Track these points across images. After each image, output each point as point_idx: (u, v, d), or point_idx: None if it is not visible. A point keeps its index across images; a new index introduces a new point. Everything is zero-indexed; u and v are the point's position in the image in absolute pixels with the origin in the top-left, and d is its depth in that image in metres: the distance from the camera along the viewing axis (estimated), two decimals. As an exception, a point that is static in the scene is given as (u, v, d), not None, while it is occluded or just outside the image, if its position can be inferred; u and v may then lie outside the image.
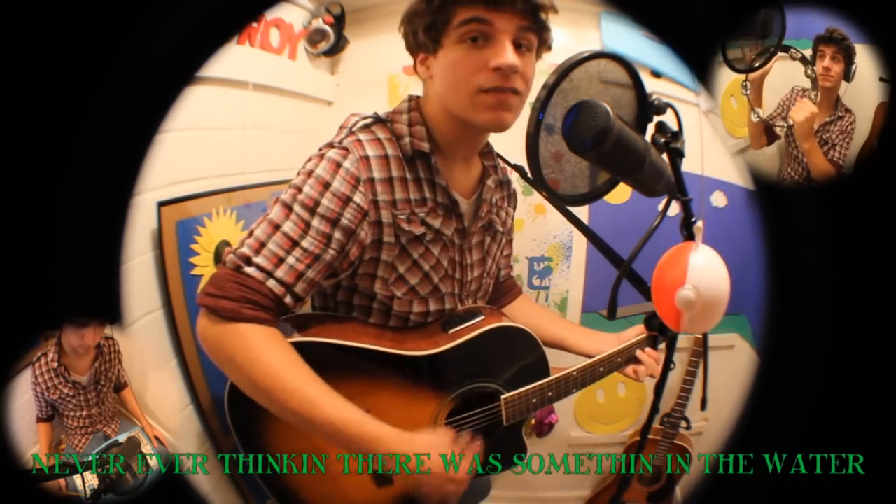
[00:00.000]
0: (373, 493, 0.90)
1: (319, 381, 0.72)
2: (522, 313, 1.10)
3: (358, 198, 0.75)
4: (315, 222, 0.73)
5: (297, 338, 0.80)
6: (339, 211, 0.74)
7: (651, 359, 0.96)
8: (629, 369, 0.98)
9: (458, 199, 0.86)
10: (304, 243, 0.73)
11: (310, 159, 0.78)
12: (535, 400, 0.92)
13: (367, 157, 0.77)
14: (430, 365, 0.87)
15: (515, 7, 0.72)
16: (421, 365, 0.86)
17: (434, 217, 0.83)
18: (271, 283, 0.72)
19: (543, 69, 1.54)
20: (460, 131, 0.82)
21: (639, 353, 0.96)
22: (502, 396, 0.92)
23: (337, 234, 0.74)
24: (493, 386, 0.93)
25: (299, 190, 0.74)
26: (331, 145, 0.78)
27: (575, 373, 0.94)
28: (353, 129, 0.82)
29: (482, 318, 0.93)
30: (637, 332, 0.98)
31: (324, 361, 0.75)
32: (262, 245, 0.73)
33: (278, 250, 0.72)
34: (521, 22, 0.73)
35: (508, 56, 0.71)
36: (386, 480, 0.91)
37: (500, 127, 0.77)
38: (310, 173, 0.75)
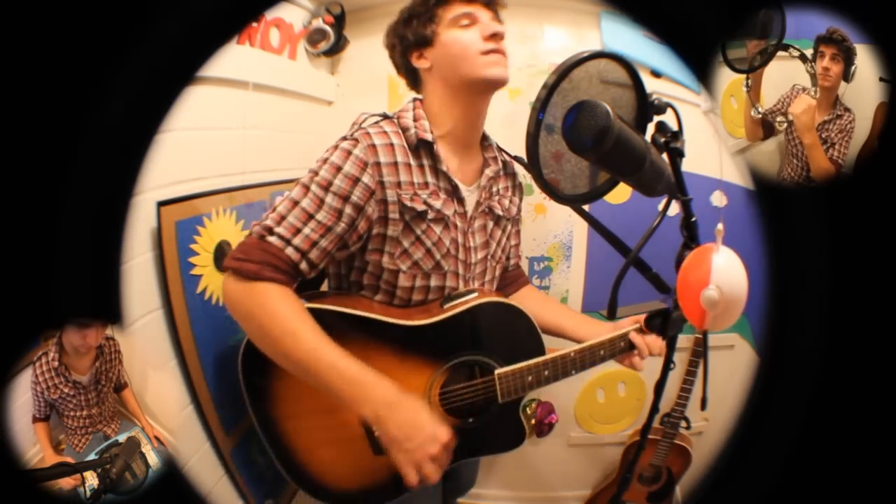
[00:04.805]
0: (370, 461, 0.95)
1: (324, 334, 0.81)
2: (526, 300, 1.13)
3: (366, 178, 0.87)
4: (328, 199, 0.85)
5: (307, 305, 0.87)
6: (350, 189, 0.86)
7: (643, 342, 0.98)
8: (626, 361, 1.00)
9: (459, 185, 0.96)
10: (319, 216, 0.85)
11: (326, 150, 0.90)
12: (530, 378, 0.95)
13: (374, 146, 0.89)
14: (423, 334, 0.93)
15: (483, 3, 0.94)
16: (415, 334, 0.92)
17: (436, 198, 0.93)
18: (289, 250, 0.83)
19: (544, 69, 1.56)
20: (465, 106, 0.96)
21: (633, 335, 0.98)
22: (496, 371, 0.94)
23: (347, 210, 0.86)
24: (487, 360, 0.96)
25: (316, 173, 0.87)
26: (344, 138, 0.91)
27: (573, 353, 0.96)
28: (363, 125, 0.94)
29: (476, 294, 0.98)
30: (634, 320, 0.99)
31: (328, 327, 0.82)
32: (283, 218, 0.84)
33: (296, 222, 0.84)
34: (489, 12, 0.94)
35: (497, 26, 0.92)
36: (383, 448, 0.93)
37: (502, 79, 0.93)
38: (325, 160, 0.88)
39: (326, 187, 0.85)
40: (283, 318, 0.80)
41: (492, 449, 1.05)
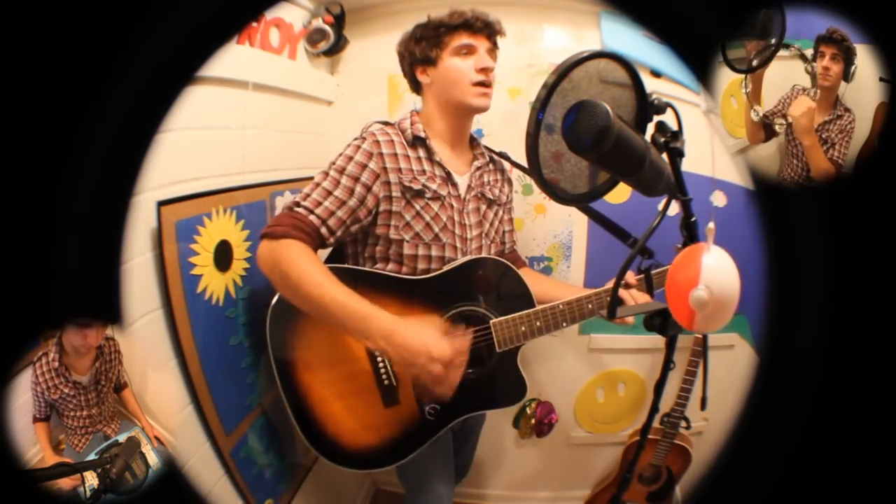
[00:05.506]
0: (381, 414, 1.08)
1: (335, 278, 0.96)
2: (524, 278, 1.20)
3: (372, 165, 1.07)
4: (343, 180, 1.05)
5: (327, 265, 1.02)
6: (360, 173, 1.06)
7: (629, 296, 1.10)
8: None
9: (452, 173, 1.15)
10: (336, 193, 1.04)
11: (343, 148, 1.09)
12: (524, 328, 1.09)
13: (378, 141, 1.09)
14: (424, 286, 1.09)
15: (486, 32, 1.13)
16: (416, 286, 1.09)
17: (432, 182, 1.12)
18: (312, 217, 1.02)
19: (544, 69, 1.58)
20: (451, 121, 1.16)
21: (622, 292, 1.09)
22: (492, 321, 1.08)
23: (358, 188, 1.05)
24: (482, 310, 1.10)
25: (334, 163, 1.07)
26: (355, 139, 1.11)
27: (561, 305, 1.09)
28: (370, 129, 1.13)
29: (469, 257, 1.14)
30: (626, 277, 1.10)
31: (341, 281, 0.96)
32: (308, 195, 1.04)
33: (318, 197, 1.04)
34: (488, 43, 1.13)
35: (489, 61, 1.12)
36: (393, 400, 1.07)
37: (485, 108, 1.13)
38: (341, 154, 1.08)
39: (341, 171, 1.05)
40: (302, 265, 0.96)
41: (496, 402, 1.15)
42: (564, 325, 1.09)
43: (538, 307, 1.09)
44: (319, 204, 1.03)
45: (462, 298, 1.10)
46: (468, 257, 1.13)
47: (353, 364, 1.08)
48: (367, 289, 0.99)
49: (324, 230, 1.03)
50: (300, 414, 1.09)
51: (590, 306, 1.10)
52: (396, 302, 1.07)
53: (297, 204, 1.04)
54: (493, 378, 1.11)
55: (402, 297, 1.08)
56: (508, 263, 1.14)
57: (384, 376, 1.09)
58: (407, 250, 1.10)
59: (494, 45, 1.16)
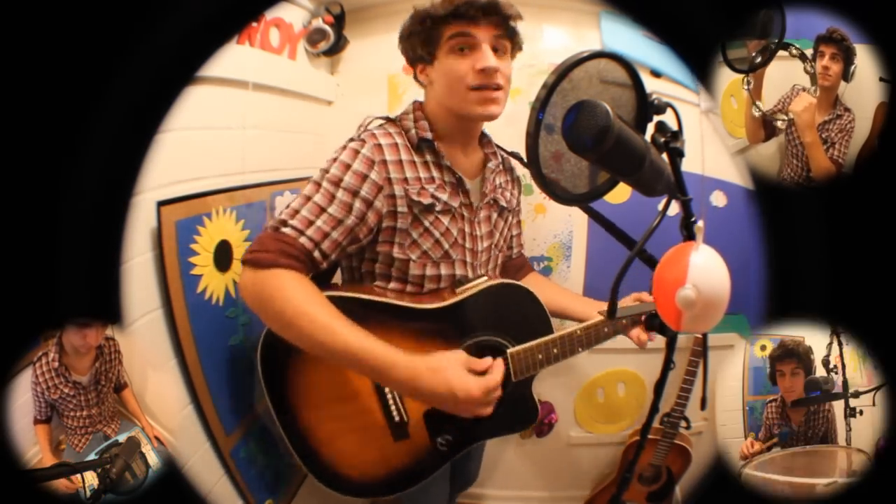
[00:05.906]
0: (390, 448, 1.01)
1: (341, 315, 0.84)
2: (531, 286, 1.15)
3: (374, 175, 0.92)
4: (339, 194, 0.90)
5: (325, 293, 0.89)
6: (359, 185, 0.91)
7: (642, 329, 1.04)
8: (633, 333, 1.05)
9: (463, 178, 1.02)
10: (331, 210, 0.89)
11: (336, 151, 0.95)
12: (540, 356, 1.00)
13: (379, 145, 0.94)
14: (437, 316, 0.98)
15: (490, 20, 0.92)
16: (429, 316, 0.98)
17: (442, 191, 0.99)
18: (303, 239, 0.87)
19: (543, 69, 1.58)
20: (457, 123, 1.01)
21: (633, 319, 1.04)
22: (508, 350, 0.99)
23: (357, 204, 0.91)
24: (499, 340, 1.01)
25: (327, 171, 0.92)
26: (352, 139, 0.97)
27: (579, 331, 1.01)
28: (368, 127, 1.01)
29: (486, 278, 1.04)
30: (635, 298, 1.05)
31: (345, 314, 0.85)
32: (297, 212, 0.89)
33: (309, 215, 0.88)
34: (495, 31, 0.93)
35: (490, 59, 0.92)
36: (403, 434, 1.00)
37: (491, 116, 0.97)
38: (335, 159, 0.93)
39: (337, 183, 0.90)
40: (299, 300, 0.83)
41: (507, 428, 1.10)
42: (580, 350, 1.02)
43: (555, 335, 1.01)
44: (311, 223, 0.88)
45: (477, 329, 1.01)
46: (481, 283, 1.02)
47: (359, 401, 0.98)
48: (374, 320, 0.90)
49: (317, 254, 0.89)
50: (302, 450, 1.02)
51: (606, 329, 1.03)
52: (408, 334, 0.96)
53: (284, 223, 0.88)
54: (506, 406, 1.02)
55: (413, 329, 0.97)
56: (524, 287, 1.05)
57: (394, 412, 1.02)
58: (413, 270, 0.99)
59: (505, 34, 0.95)
